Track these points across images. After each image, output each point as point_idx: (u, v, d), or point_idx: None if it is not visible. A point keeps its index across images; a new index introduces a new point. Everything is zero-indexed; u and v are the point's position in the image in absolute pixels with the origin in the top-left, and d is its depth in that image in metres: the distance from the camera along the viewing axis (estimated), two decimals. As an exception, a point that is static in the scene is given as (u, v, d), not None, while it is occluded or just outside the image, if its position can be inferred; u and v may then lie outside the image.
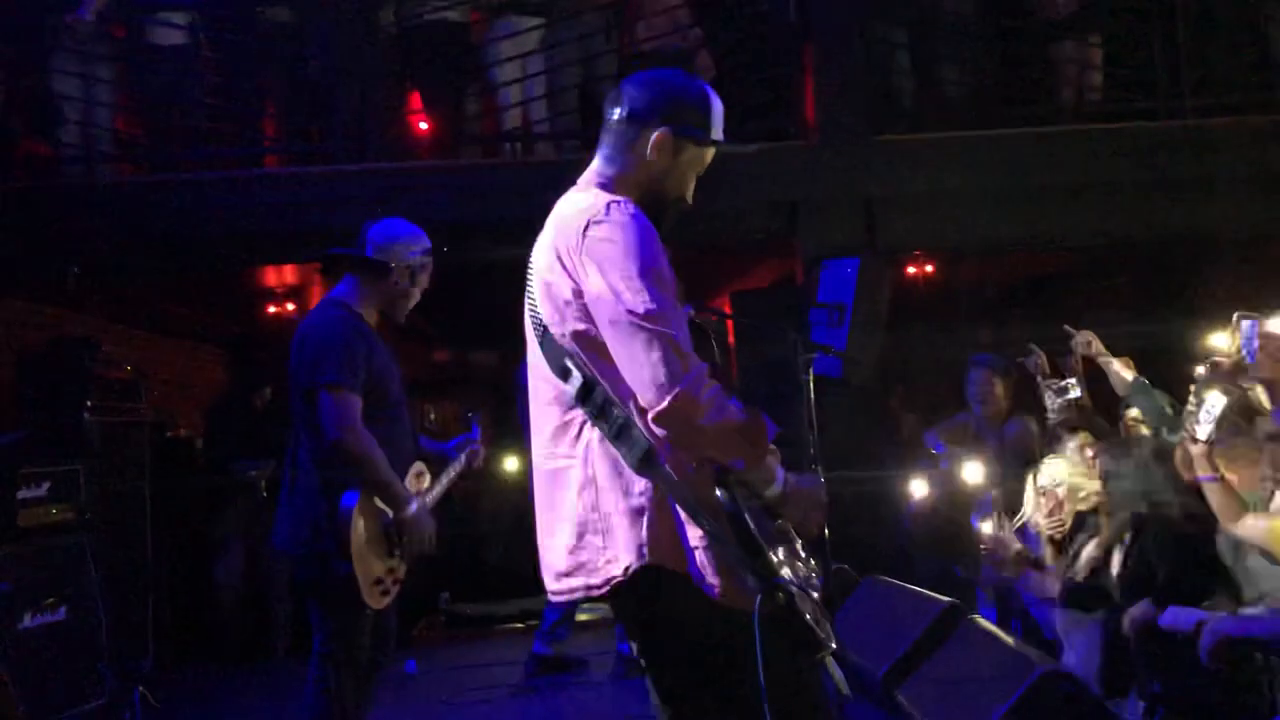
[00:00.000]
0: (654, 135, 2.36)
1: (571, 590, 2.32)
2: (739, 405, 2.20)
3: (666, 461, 2.17)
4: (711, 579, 2.17)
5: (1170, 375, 5.30)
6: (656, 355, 2.12)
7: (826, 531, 4.07)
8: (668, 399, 2.11)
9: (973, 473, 5.37)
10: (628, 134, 2.39)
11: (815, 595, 2.19)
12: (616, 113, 2.41)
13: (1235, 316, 4.18)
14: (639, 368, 2.14)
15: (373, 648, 3.58)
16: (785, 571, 2.12)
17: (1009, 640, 4.11)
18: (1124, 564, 4.10)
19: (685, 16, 6.60)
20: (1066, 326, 5.35)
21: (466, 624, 7.85)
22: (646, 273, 2.18)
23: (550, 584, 2.37)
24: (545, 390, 2.36)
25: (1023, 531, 4.79)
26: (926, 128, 6.54)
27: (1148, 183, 6.34)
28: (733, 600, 2.15)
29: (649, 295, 2.15)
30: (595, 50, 6.49)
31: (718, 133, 2.42)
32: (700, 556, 2.18)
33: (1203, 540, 3.85)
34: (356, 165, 6.21)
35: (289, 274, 7.67)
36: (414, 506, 3.55)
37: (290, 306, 8.28)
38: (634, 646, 2.40)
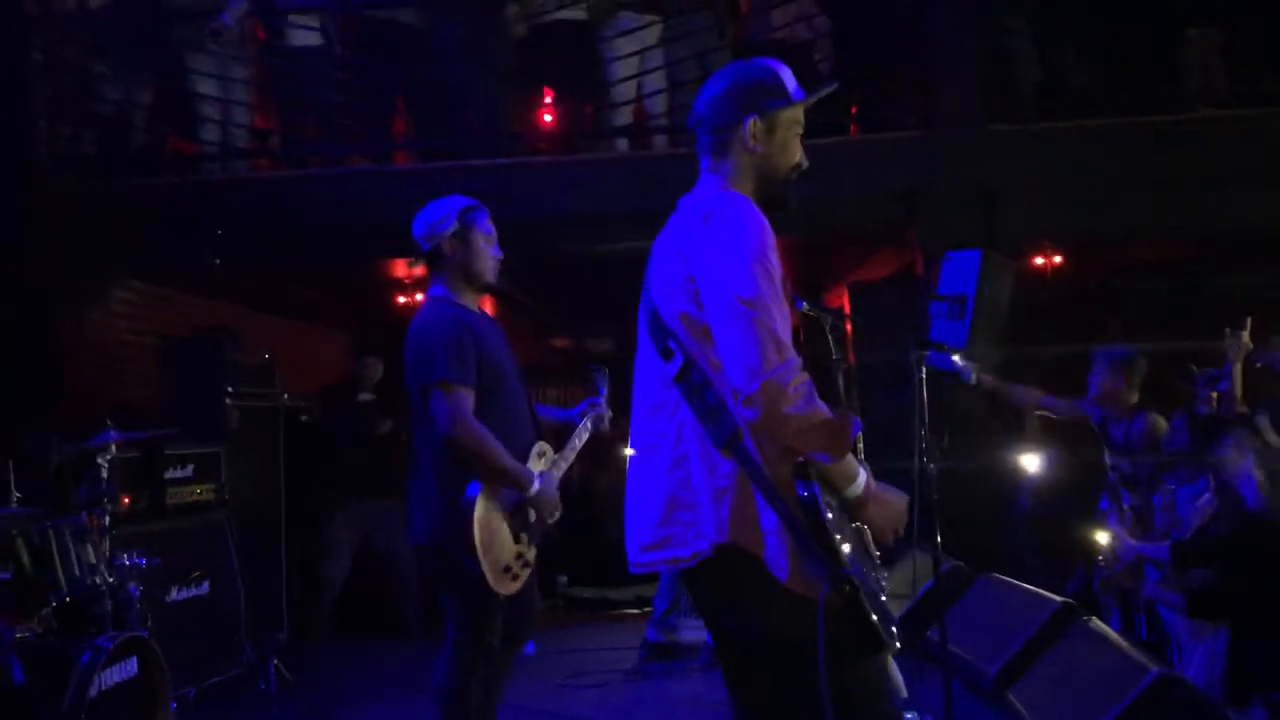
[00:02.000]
0: (745, 127, 2.46)
1: (655, 562, 2.42)
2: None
3: (751, 445, 2.28)
4: (782, 564, 2.25)
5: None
6: (753, 340, 2.22)
7: (939, 532, 4.06)
8: (758, 383, 2.20)
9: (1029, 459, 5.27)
10: (722, 139, 2.49)
11: (882, 597, 2.27)
12: (701, 130, 2.53)
13: None
14: (735, 351, 2.24)
15: (512, 627, 3.65)
16: (854, 567, 2.20)
17: (1123, 643, 4.05)
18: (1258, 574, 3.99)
19: (811, 6, 6.59)
20: (1228, 330, 5.20)
21: (584, 607, 8.01)
22: (755, 263, 2.28)
23: (634, 555, 2.47)
24: (648, 370, 2.49)
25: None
26: (1046, 116, 6.41)
27: (1268, 170, 6.09)
28: (801, 587, 2.24)
29: (754, 284, 2.26)
30: (708, 46, 6.52)
31: (796, 90, 2.51)
32: (774, 541, 2.27)
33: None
34: (482, 160, 6.38)
35: (416, 267, 7.90)
36: (538, 484, 3.59)
37: (419, 297, 8.53)
38: (704, 621, 2.49)
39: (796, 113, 2.52)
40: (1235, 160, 6.13)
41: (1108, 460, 5.46)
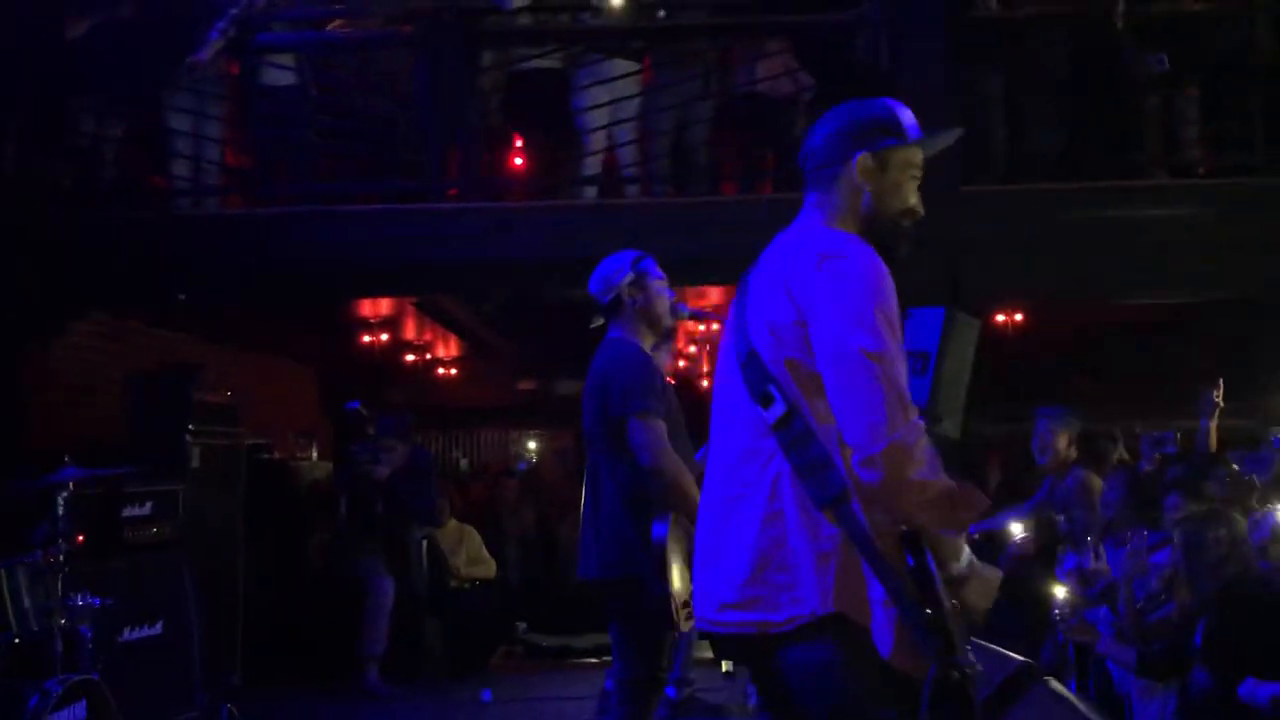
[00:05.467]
0: (854, 163, 2.35)
1: (741, 623, 2.23)
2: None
3: (859, 508, 2.11)
4: (887, 638, 2.10)
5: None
6: (878, 397, 2.08)
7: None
8: (883, 444, 2.06)
9: (1015, 527, 5.37)
10: (830, 176, 2.38)
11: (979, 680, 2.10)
12: (810, 163, 2.41)
13: None
14: (857, 407, 2.10)
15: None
16: (967, 654, 2.05)
17: (1080, 705, 4.05)
18: (1207, 635, 4.02)
19: (793, 61, 6.69)
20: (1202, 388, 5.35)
21: (542, 655, 7.94)
22: (880, 314, 2.15)
23: (709, 613, 2.30)
24: (737, 416, 2.31)
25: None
26: (1015, 179, 6.52)
27: (1239, 239, 6.23)
28: (903, 665, 2.09)
29: (879, 335, 2.12)
30: (691, 95, 6.60)
31: (914, 130, 2.38)
32: (880, 613, 2.11)
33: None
34: (454, 205, 6.40)
35: (384, 306, 7.91)
36: None
37: (384, 336, 8.53)
38: (762, 697, 2.34)
39: (912, 154, 2.39)
40: (1194, 228, 6.25)
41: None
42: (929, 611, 2.05)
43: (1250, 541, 3.60)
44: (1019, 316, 8.20)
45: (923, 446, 2.09)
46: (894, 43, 6.39)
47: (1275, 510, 3.55)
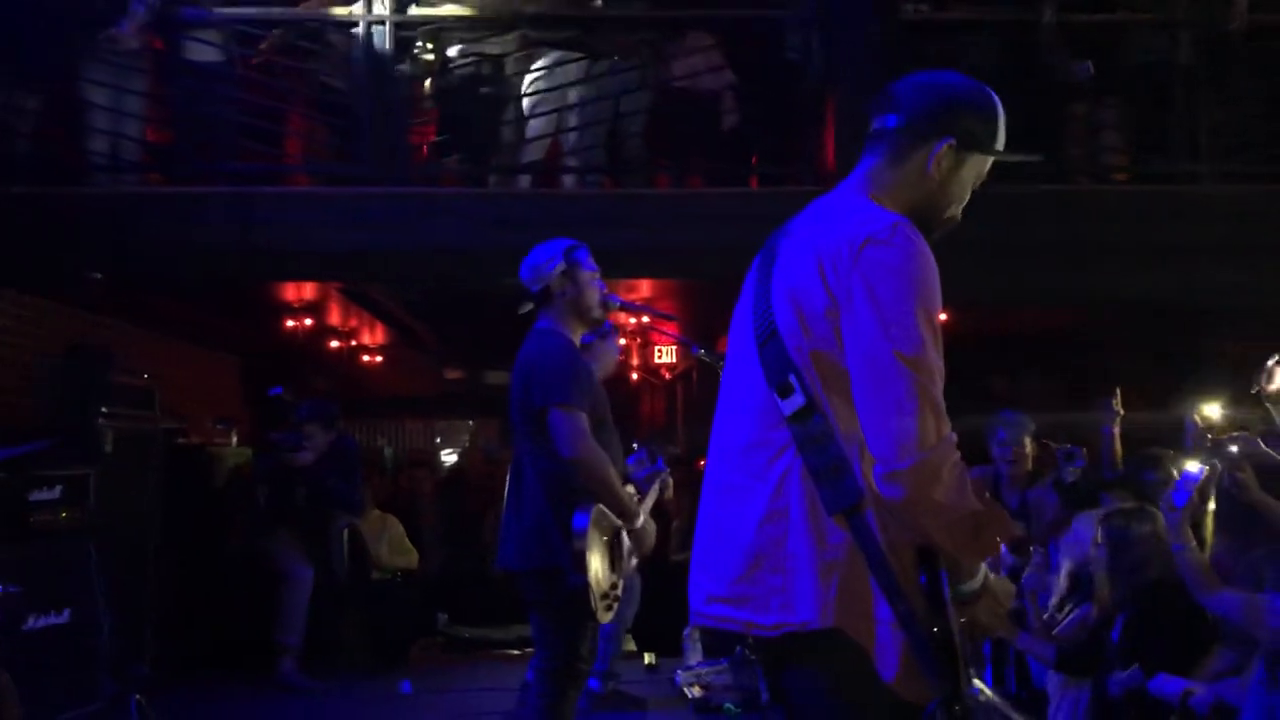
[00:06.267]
0: (935, 147, 2.12)
1: (728, 619, 2.09)
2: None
3: (873, 519, 1.94)
4: (892, 661, 1.94)
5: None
6: (911, 407, 1.89)
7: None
8: (911, 461, 1.88)
9: None
10: (903, 144, 2.15)
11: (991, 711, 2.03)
12: (891, 120, 2.16)
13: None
14: (886, 416, 1.90)
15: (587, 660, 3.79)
16: (973, 688, 1.92)
17: (996, 699, 4.12)
18: (1124, 630, 4.11)
19: (719, 58, 6.71)
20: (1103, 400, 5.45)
21: (463, 647, 7.88)
22: (924, 315, 1.95)
23: (699, 605, 2.16)
24: (749, 400, 2.10)
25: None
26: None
27: (1158, 245, 6.38)
28: (909, 693, 1.93)
29: (919, 339, 1.92)
30: (628, 87, 6.58)
31: (1002, 141, 2.19)
32: (886, 633, 1.94)
33: (1201, 610, 3.86)
34: (382, 189, 6.31)
35: (308, 291, 7.77)
36: (642, 519, 3.82)
37: (308, 322, 8.38)
38: (773, 694, 2.13)
39: (986, 163, 2.20)
40: (1116, 232, 6.39)
41: None
42: (938, 637, 1.90)
43: (1169, 523, 3.66)
44: (943, 317, 8.31)
45: (953, 465, 1.92)
46: (825, 42, 6.44)
47: (1188, 468, 3.60)
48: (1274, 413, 3.96)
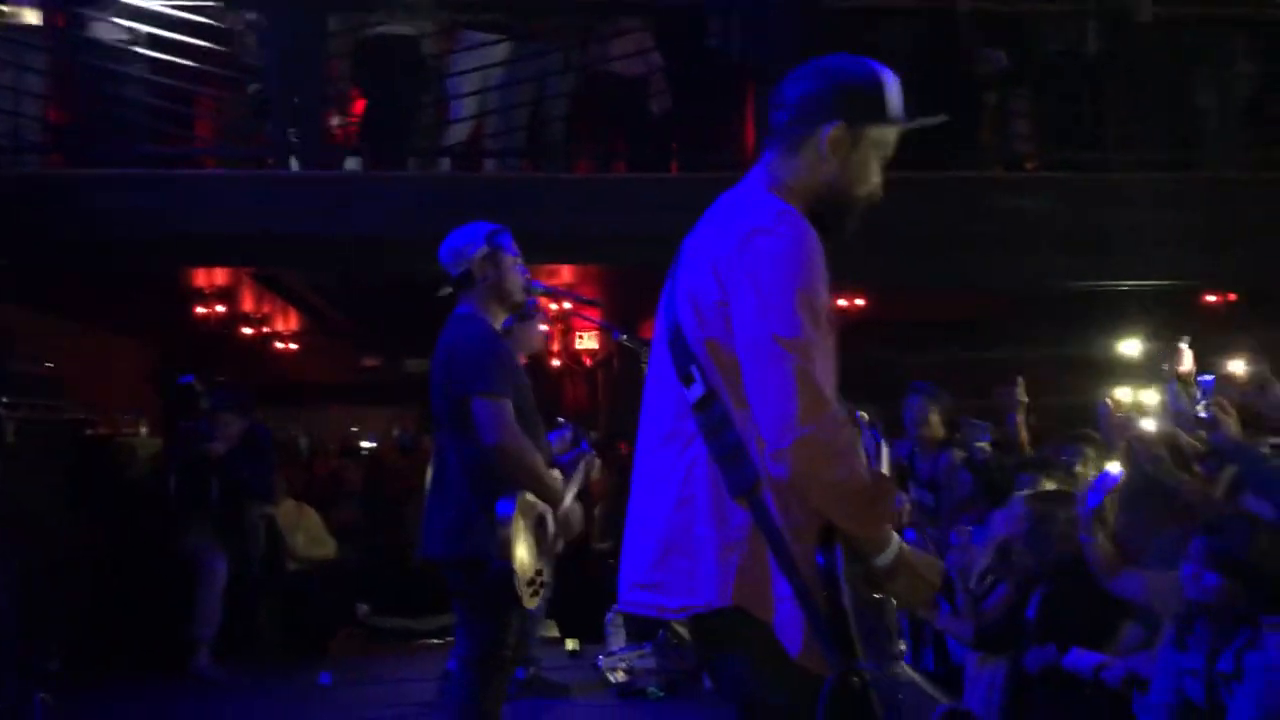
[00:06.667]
0: (824, 131, 2.16)
1: (645, 604, 2.19)
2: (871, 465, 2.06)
3: (771, 499, 2.02)
4: (795, 635, 2.01)
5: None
6: (790, 388, 1.95)
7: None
8: (792, 438, 1.95)
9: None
10: (794, 135, 2.19)
11: (893, 676, 2.08)
12: (780, 116, 2.22)
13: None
14: (770, 397, 1.98)
15: (514, 649, 3.74)
16: (869, 662, 1.97)
17: (916, 677, 4.19)
18: (1040, 608, 4.19)
19: (647, 40, 6.69)
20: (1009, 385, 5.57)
21: (384, 637, 7.78)
22: (803, 298, 2.01)
23: (624, 592, 2.23)
24: (663, 393, 2.21)
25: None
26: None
27: (1069, 232, 6.53)
28: (812, 664, 2.00)
29: (797, 322, 1.99)
30: (551, 69, 6.53)
31: (897, 110, 2.20)
32: (787, 609, 2.02)
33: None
34: (297, 173, 6.18)
35: (220, 277, 7.59)
36: (569, 501, 3.80)
37: (220, 309, 8.20)
38: (710, 678, 2.28)
39: (888, 134, 2.20)
40: (1027, 221, 6.53)
41: (911, 494, 5.68)
42: (830, 612, 1.97)
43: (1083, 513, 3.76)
44: (860, 302, 8.41)
45: (840, 441, 1.98)
46: (746, 29, 6.46)
47: (1108, 469, 3.71)
48: (1183, 394, 4.06)
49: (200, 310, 8.48)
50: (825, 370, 2.02)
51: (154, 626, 6.83)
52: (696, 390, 2.09)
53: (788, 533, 2.01)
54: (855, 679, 1.94)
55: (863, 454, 2.08)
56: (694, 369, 2.10)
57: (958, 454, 5.69)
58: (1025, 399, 5.67)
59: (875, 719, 1.95)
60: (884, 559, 2.06)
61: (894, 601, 2.16)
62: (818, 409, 1.97)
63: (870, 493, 2.02)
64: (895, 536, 2.09)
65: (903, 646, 2.18)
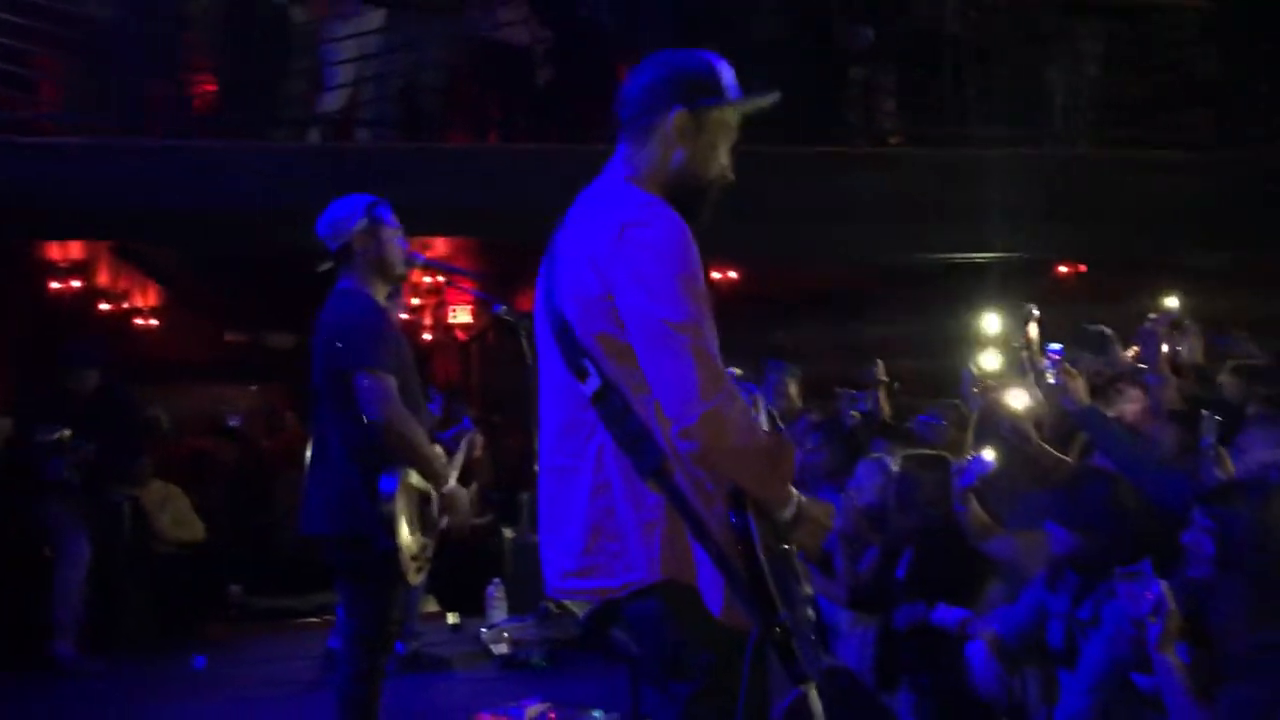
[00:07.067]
0: (668, 120, 2.27)
1: (583, 590, 2.29)
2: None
3: (680, 477, 2.15)
4: (716, 596, 2.15)
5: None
6: (688, 368, 2.08)
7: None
8: (697, 414, 2.07)
9: None
10: (640, 128, 2.31)
11: (810, 621, 2.24)
12: (626, 110, 2.33)
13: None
14: (670, 379, 2.10)
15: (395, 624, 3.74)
16: (784, 613, 2.11)
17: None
18: (910, 568, 4.36)
19: (526, 11, 6.64)
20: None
21: (259, 618, 7.62)
22: (683, 281, 2.13)
23: (555, 582, 2.32)
24: (556, 384, 2.29)
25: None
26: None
27: (928, 206, 6.76)
28: (734, 621, 2.15)
29: (684, 305, 2.11)
30: (426, 37, 6.42)
31: (733, 91, 2.32)
32: (708, 573, 2.16)
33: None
34: (159, 142, 5.96)
35: (75, 250, 7.28)
36: (453, 480, 3.79)
37: (76, 284, 7.86)
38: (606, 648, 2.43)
39: (730, 115, 2.33)
40: (891, 193, 6.73)
41: None
42: (747, 571, 2.10)
43: (955, 486, 3.94)
44: (733, 274, 8.55)
45: (737, 411, 2.12)
46: (620, 3, 6.48)
47: (982, 455, 3.89)
48: (1034, 359, 4.25)
49: (54, 285, 8.12)
50: (714, 345, 2.14)
51: (10, 613, 6.56)
52: (592, 384, 2.18)
53: (699, 503, 2.14)
54: (776, 629, 2.08)
55: (760, 419, 2.25)
56: (586, 363, 2.19)
57: (813, 416, 5.92)
58: (885, 379, 6.02)
59: (798, 663, 2.10)
60: (786, 514, 2.22)
61: (796, 548, 2.31)
62: (716, 384, 2.10)
63: (773, 454, 2.19)
64: (794, 490, 2.24)
65: (809, 589, 2.35)
